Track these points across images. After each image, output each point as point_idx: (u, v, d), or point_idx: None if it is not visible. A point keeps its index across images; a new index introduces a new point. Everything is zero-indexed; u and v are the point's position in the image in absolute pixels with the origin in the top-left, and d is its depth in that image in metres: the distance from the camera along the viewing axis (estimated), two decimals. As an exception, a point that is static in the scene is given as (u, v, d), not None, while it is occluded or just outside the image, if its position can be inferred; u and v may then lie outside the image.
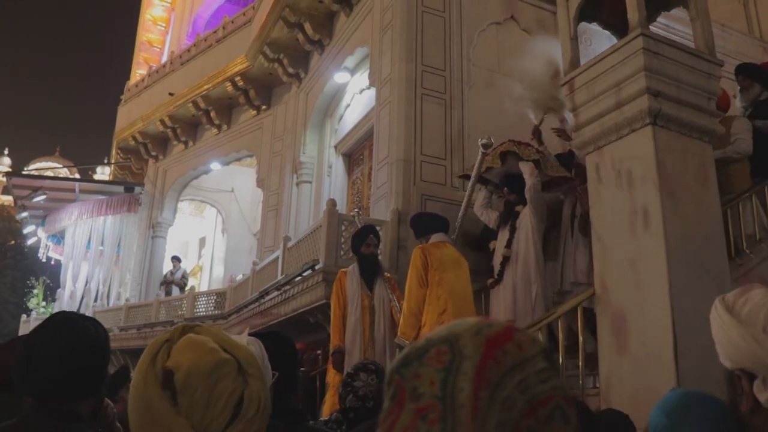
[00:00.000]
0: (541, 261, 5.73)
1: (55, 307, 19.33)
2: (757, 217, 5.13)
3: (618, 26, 5.02)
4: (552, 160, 6.19)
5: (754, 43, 11.36)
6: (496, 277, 5.89)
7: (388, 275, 6.09)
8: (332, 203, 7.28)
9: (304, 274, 7.56)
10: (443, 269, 5.34)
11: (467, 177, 6.64)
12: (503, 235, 6.00)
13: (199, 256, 20.43)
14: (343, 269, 6.09)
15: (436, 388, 0.64)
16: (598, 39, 8.58)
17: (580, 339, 4.23)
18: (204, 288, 17.59)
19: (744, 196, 5.08)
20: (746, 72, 6.05)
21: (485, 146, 5.97)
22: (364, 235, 6.05)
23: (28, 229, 20.00)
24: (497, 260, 5.95)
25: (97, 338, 1.58)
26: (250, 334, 2.30)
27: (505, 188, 6.24)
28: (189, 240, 20.77)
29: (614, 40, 5.11)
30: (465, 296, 5.40)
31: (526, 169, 5.89)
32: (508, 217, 6.05)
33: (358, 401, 2.85)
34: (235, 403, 1.06)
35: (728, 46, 10.64)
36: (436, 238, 5.72)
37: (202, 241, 20.25)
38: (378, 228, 7.11)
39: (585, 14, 5.06)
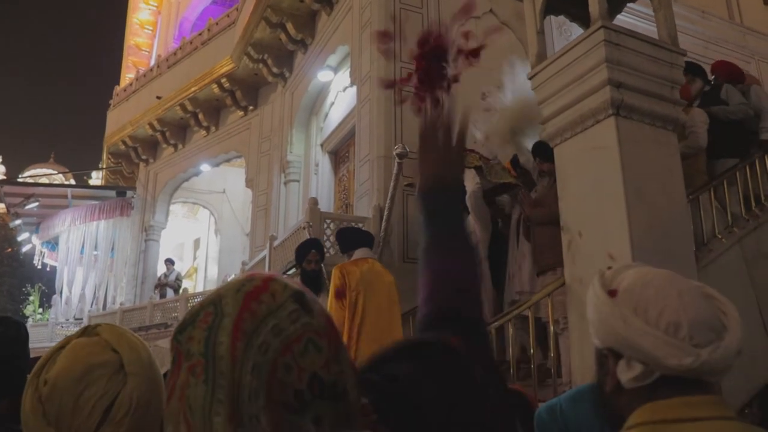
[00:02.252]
0: (486, 273, 5.56)
1: (51, 314, 19.37)
2: (729, 204, 5.18)
3: (585, 19, 5.07)
4: (496, 167, 6.03)
5: (735, 29, 11.41)
6: None
7: None
8: (313, 202, 7.33)
9: (289, 272, 7.62)
10: (362, 288, 5.06)
11: (412, 185, 6.54)
12: None
13: (194, 258, 20.48)
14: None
15: (201, 345, 0.71)
16: (578, 31, 8.61)
17: (551, 329, 4.29)
18: (200, 289, 17.66)
19: (714, 183, 5.13)
20: (687, 69, 6.19)
21: (400, 156, 5.85)
22: (306, 251, 5.80)
23: (22, 237, 20.03)
24: None
25: (6, 341, 1.62)
26: None
27: None
28: (184, 242, 20.83)
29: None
30: (389, 315, 5.10)
31: (467, 176, 5.73)
32: None
33: None
34: (107, 405, 1.04)
35: (708, 33, 10.71)
36: (358, 254, 5.45)
37: (197, 243, 20.30)
38: (361, 225, 7.17)
39: (552, 8, 5.11)
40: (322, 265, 5.96)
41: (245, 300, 0.74)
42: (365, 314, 4.95)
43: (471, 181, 5.71)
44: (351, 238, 5.73)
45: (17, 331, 1.65)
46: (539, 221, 5.24)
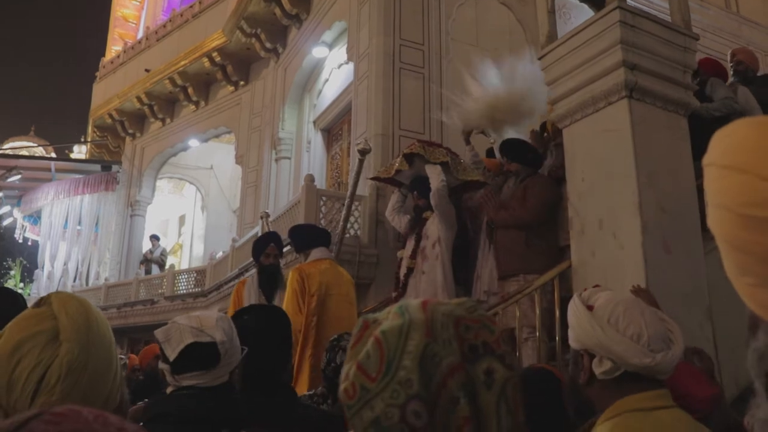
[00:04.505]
0: (449, 272, 5.34)
1: (33, 288, 19.12)
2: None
3: (596, 0, 5.01)
4: (464, 163, 5.82)
5: (731, 18, 11.41)
6: (399, 289, 5.51)
7: None
8: (310, 178, 7.24)
9: (283, 250, 7.51)
10: (322, 293, 4.73)
11: (378, 179, 6.31)
12: (410, 244, 5.64)
13: (179, 234, 20.29)
14: (243, 279, 5.81)
15: (395, 309, 0.89)
16: (577, 14, 8.57)
17: (557, 313, 4.25)
18: (185, 266, 17.51)
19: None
20: None
21: (362, 152, 5.54)
22: (264, 244, 5.40)
23: (3, 210, 19.69)
24: (402, 271, 5.58)
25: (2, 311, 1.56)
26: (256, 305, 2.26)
27: (414, 192, 5.82)
28: (169, 218, 20.60)
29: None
30: (348, 319, 4.74)
31: (432, 172, 5.52)
32: (416, 224, 5.68)
33: None
34: (41, 375, 1.03)
35: (705, 21, 10.69)
36: (316, 254, 5.05)
37: (182, 219, 20.10)
38: (357, 203, 7.10)
39: (562, -13, 5.04)
40: (281, 260, 5.65)
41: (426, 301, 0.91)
42: (325, 320, 4.62)
43: (436, 177, 5.47)
44: (307, 236, 5.32)
45: (15, 301, 1.58)
46: (502, 225, 5.09)
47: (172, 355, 1.79)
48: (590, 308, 1.53)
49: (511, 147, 5.38)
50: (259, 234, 8.70)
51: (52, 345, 1.06)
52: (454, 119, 6.33)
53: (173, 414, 1.77)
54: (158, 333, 1.83)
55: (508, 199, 5.19)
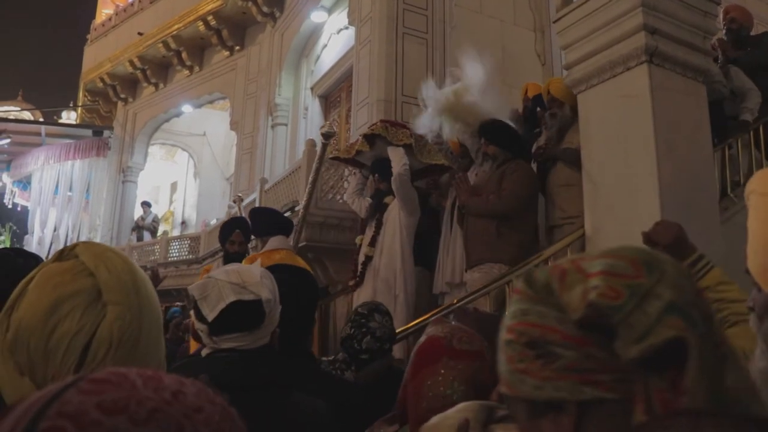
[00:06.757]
0: (408, 263, 5.07)
1: (23, 253, 18.93)
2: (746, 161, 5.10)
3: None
4: (429, 145, 5.48)
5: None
6: (357, 278, 5.25)
7: None
8: (311, 143, 7.11)
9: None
10: None
11: (338, 159, 5.96)
12: (369, 230, 5.34)
13: (171, 201, 20.11)
14: (208, 266, 5.61)
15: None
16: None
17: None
18: (176, 233, 17.37)
19: (730, 139, 5.04)
20: None
21: (326, 136, 5.13)
22: (229, 231, 5.17)
23: (-8, 175, 19.45)
24: (360, 259, 5.30)
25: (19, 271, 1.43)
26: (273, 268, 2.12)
27: (376, 174, 5.48)
28: (160, 185, 20.40)
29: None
30: None
31: (394, 155, 5.19)
32: (377, 209, 5.35)
33: (376, 342, 2.74)
34: (85, 343, 0.86)
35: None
36: (273, 243, 4.64)
37: (174, 186, 19.91)
38: (360, 169, 6.96)
39: (577, -51, 4.90)
40: (249, 246, 5.45)
41: None
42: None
43: (399, 161, 5.13)
44: (267, 221, 4.92)
45: (36, 263, 1.45)
46: (475, 212, 4.79)
47: (211, 315, 1.63)
48: None
49: (491, 128, 5.05)
50: (257, 201, 8.60)
51: (94, 307, 0.88)
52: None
53: (223, 379, 1.63)
54: (193, 289, 1.68)
55: (484, 184, 4.90)
